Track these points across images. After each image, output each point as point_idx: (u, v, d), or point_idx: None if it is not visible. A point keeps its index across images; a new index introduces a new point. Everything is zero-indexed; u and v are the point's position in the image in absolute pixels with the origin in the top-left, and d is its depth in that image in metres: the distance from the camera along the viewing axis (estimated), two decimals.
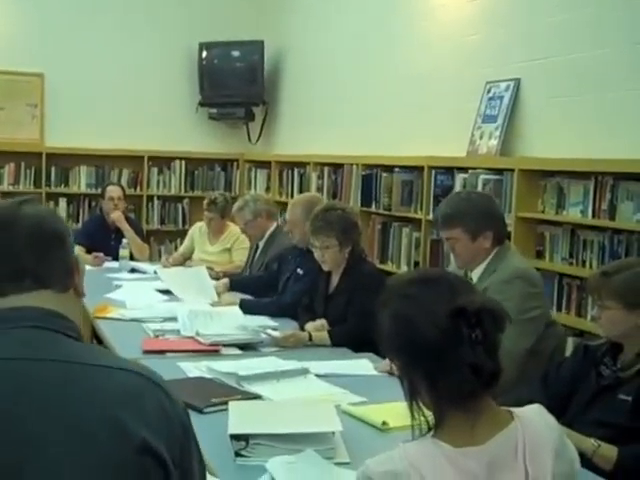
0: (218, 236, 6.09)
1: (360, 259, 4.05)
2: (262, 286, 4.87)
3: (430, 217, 4.94)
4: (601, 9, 4.06)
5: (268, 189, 7.67)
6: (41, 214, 1.45)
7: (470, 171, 4.64)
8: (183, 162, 8.15)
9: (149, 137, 7.85)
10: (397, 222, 5.49)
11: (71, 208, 7.83)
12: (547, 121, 4.40)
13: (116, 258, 5.92)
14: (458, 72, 5.13)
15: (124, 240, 6.03)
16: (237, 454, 2.29)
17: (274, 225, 5.47)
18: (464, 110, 4.94)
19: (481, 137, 4.76)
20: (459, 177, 4.75)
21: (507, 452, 1.56)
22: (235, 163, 8.35)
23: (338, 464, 2.27)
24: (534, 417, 1.64)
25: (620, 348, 2.64)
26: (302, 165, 6.95)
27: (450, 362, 1.55)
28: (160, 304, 4.55)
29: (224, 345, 3.60)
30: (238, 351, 3.58)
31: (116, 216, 6.29)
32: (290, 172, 7.23)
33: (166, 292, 4.87)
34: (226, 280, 5.08)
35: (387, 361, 3.21)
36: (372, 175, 5.69)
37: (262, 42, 7.81)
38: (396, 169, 5.44)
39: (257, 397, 2.84)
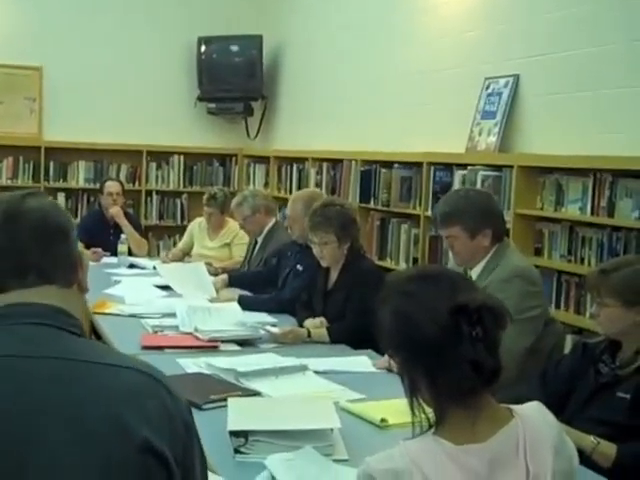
0: (218, 231, 6.08)
1: (359, 255, 4.05)
2: (261, 282, 4.87)
3: (429, 213, 4.94)
4: (600, 6, 4.06)
5: (267, 184, 7.66)
6: (45, 207, 1.43)
7: (469, 167, 4.64)
8: (182, 157, 8.14)
9: (148, 132, 7.84)
10: (396, 218, 5.49)
11: (69, 203, 7.81)
12: (546, 118, 4.40)
13: (115, 253, 5.91)
14: (457, 68, 5.13)
15: (123, 235, 6.03)
16: (236, 451, 2.29)
17: (273, 221, 5.47)
18: (463, 106, 4.94)
19: (480, 133, 4.76)
20: (458, 173, 4.76)
21: (508, 449, 1.56)
22: (234, 158, 8.34)
23: (337, 461, 2.27)
24: (533, 414, 1.64)
25: (619, 346, 2.65)
26: (301, 161, 6.94)
27: (450, 359, 1.55)
28: (159, 300, 4.55)
29: (223, 341, 3.60)
30: (237, 347, 3.58)
31: (115, 211, 6.29)
32: (289, 167, 7.22)
33: (165, 288, 4.87)
34: (225, 276, 5.07)
35: (385, 358, 3.22)
36: (371, 171, 5.68)
37: (261, 37, 7.80)
38: (395, 165, 5.44)
39: (256, 394, 2.84)
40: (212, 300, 4.48)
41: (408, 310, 1.62)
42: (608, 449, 2.39)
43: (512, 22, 4.69)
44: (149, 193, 8.06)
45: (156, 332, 3.78)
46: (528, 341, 3.11)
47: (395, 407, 2.61)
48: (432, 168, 5.00)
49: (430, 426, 1.61)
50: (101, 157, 7.89)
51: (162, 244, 8.10)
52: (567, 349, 3.36)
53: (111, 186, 6.39)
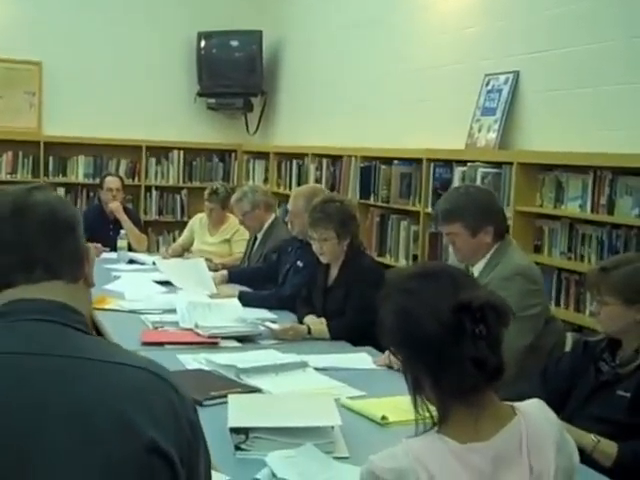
0: (218, 227, 6.08)
1: (358, 252, 4.05)
2: (260, 278, 4.88)
3: (429, 210, 4.94)
4: (600, 2, 4.06)
5: (266, 180, 7.66)
6: (52, 201, 1.40)
7: (469, 164, 4.64)
8: (181, 152, 8.13)
9: (147, 127, 7.84)
10: (395, 215, 5.49)
11: (69, 198, 7.74)
12: (546, 114, 4.39)
13: (114, 249, 5.91)
14: (457, 64, 5.12)
15: (122, 231, 6.03)
16: (237, 448, 2.29)
17: (272, 217, 5.47)
18: (463, 103, 4.94)
19: (480, 130, 4.76)
20: (458, 170, 4.75)
21: (512, 447, 1.56)
22: (233, 154, 8.33)
23: (337, 458, 2.27)
24: (535, 411, 1.65)
25: (619, 344, 2.65)
26: (300, 156, 6.94)
27: (453, 357, 1.55)
28: (159, 296, 4.55)
29: (223, 337, 3.60)
30: (237, 343, 3.58)
31: (114, 207, 6.29)
32: (288, 163, 7.22)
33: (165, 283, 4.87)
34: (225, 272, 5.08)
35: (386, 354, 3.22)
36: (371, 167, 5.68)
37: (261, 32, 7.79)
38: (395, 161, 5.44)
39: (256, 390, 2.84)
40: (212, 296, 4.48)
41: (410, 307, 1.62)
42: (609, 448, 2.39)
43: (512, 18, 4.68)
44: (148, 188, 8.05)
45: (156, 328, 3.78)
46: (528, 339, 3.12)
47: (396, 404, 2.62)
48: (432, 165, 4.99)
49: (433, 424, 1.61)
50: (101, 152, 7.88)
51: (161, 239, 8.10)
52: (568, 347, 3.36)
53: (111, 182, 6.39)
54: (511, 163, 4.31)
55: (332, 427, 2.39)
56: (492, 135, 4.64)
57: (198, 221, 6.24)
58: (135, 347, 3.35)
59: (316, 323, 3.82)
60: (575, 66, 4.18)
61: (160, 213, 8.13)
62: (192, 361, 3.20)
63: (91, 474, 1.21)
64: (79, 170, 7.87)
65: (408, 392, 1.66)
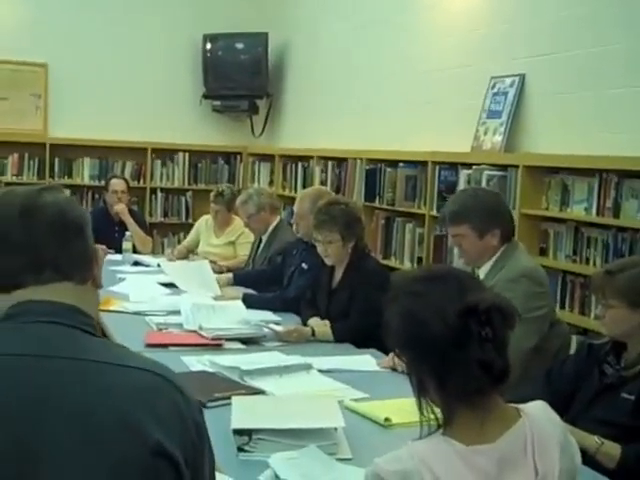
0: (224, 229, 6.09)
1: (363, 254, 4.04)
2: (265, 281, 4.88)
3: (434, 212, 4.94)
4: (604, 5, 4.05)
5: (271, 183, 7.66)
6: (61, 202, 1.40)
7: (474, 167, 4.64)
8: (187, 155, 8.14)
9: (153, 129, 7.85)
10: (400, 217, 5.49)
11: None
12: (552, 117, 4.38)
13: (119, 251, 5.91)
14: (463, 67, 5.12)
15: (127, 233, 6.04)
16: (240, 449, 2.29)
17: (277, 219, 5.46)
18: (469, 105, 4.93)
19: (485, 133, 4.75)
20: (463, 173, 4.75)
21: (517, 449, 1.56)
22: (239, 156, 8.34)
23: (340, 460, 2.27)
24: (539, 413, 1.65)
25: (624, 347, 2.64)
26: (306, 159, 6.94)
27: (459, 359, 1.55)
28: (163, 297, 4.55)
29: (227, 339, 3.60)
30: (241, 345, 3.58)
31: (120, 209, 6.30)
32: (294, 166, 7.21)
33: (169, 285, 4.87)
34: (230, 274, 5.09)
35: (390, 357, 3.22)
36: (376, 170, 5.68)
37: (266, 34, 7.79)
38: (400, 164, 5.43)
39: (260, 392, 2.84)
40: (216, 298, 4.48)
41: (416, 310, 1.62)
42: (612, 450, 2.39)
43: (518, 21, 4.68)
44: (154, 190, 8.06)
45: (160, 330, 3.78)
46: (533, 341, 3.11)
47: (399, 406, 2.61)
48: (437, 167, 4.99)
49: (438, 426, 1.60)
50: (106, 154, 7.89)
51: (166, 241, 8.11)
52: (572, 350, 3.35)
53: (116, 184, 6.40)
54: (517, 166, 4.30)
55: (335, 429, 2.39)
56: (498, 138, 4.63)
57: (204, 222, 6.25)
58: (139, 349, 3.35)
59: (320, 325, 3.82)
60: (580, 69, 4.17)
61: (165, 215, 8.14)
62: (196, 363, 3.20)
63: (91, 473, 1.21)
64: (84, 172, 7.88)
65: (413, 394, 1.66)
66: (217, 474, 1.53)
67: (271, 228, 5.39)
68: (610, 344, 2.68)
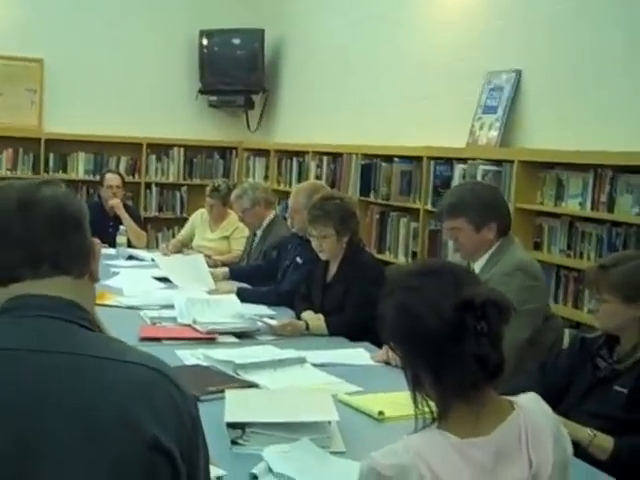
0: (219, 223, 6.09)
1: (358, 249, 4.05)
2: (260, 276, 4.87)
3: (429, 207, 4.94)
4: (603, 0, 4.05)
5: (266, 177, 7.65)
6: (59, 196, 1.40)
7: (469, 162, 4.64)
8: (182, 149, 8.12)
9: (148, 124, 7.83)
10: (395, 212, 5.49)
11: None
12: (547, 113, 4.38)
13: (114, 245, 5.90)
14: (459, 62, 5.11)
15: (122, 227, 6.03)
16: (233, 442, 2.29)
17: (272, 214, 5.47)
18: (464, 100, 4.93)
19: (481, 128, 4.75)
20: (458, 168, 4.75)
21: (512, 441, 1.57)
22: (234, 151, 8.33)
23: (334, 453, 2.27)
24: (532, 405, 1.65)
25: (616, 340, 2.64)
26: (301, 154, 6.94)
27: (454, 353, 1.55)
28: (157, 291, 4.55)
29: (221, 333, 3.59)
30: (235, 339, 3.58)
31: (114, 203, 6.29)
32: (289, 161, 7.21)
33: (163, 280, 4.87)
34: (226, 269, 5.09)
35: (383, 350, 3.22)
36: (371, 165, 5.68)
37: (263, 30, 7.79)
38: (395, 159, 5.43)
39: (254, 385, 2.84)
40: (211, 292, 4.48)
41: (411, 304, 1.62)
42: (605, 442, 2.39)
43: (514, 16, 4.67)
44: (149, 185, 8.05)
45: (154, 324, 3.78)
46: (526, 333, 3.11)
47: (393, 400, 2.62)
48: (432, 162, 4.99)
49: (433, 420, 1.60)
50: (101, 149, 7.87)
51: (161, 236, 8.10)
52: (565, 343, 3.36)
53: (111, 179, 6.39)
54: (512, 161, 4.30)
55: (329, 422, 2.39)
56: (493, 133, 4.63)
57: (199, 216, 6.25)
58: (133, 343, 3.31)
59: (314, 319, 3.82)
60: (577, 65, 4.17)
61: (160, 210, 8.13)
62: (190, 357, 3.19)
63: (91, 470, 1.21)
64: (79, 167, 7.86)
65: (407, 388, 1.66)
66: (211, 467, 1.53)
67: (266, 223, 5.39)
68: (603, 338, 2.68)
